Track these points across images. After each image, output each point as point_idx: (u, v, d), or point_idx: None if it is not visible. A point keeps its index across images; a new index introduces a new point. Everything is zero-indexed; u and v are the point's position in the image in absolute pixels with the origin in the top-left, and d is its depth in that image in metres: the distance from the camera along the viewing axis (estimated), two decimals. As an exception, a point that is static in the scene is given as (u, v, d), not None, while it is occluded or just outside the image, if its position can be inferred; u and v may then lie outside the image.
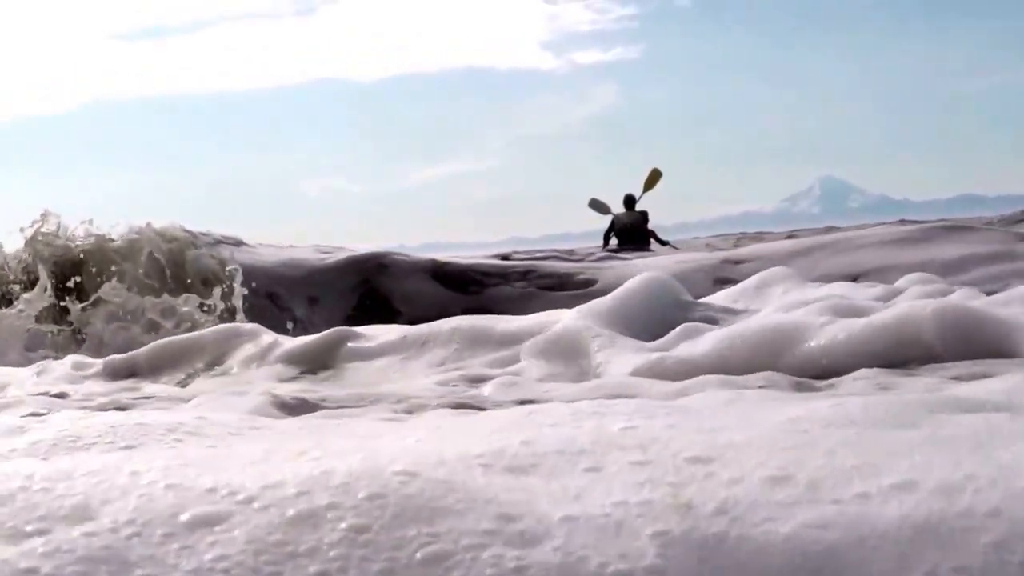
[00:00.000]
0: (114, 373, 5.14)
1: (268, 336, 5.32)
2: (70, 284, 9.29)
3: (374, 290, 10.19)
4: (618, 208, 17.93)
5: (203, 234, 10.38)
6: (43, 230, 9.82)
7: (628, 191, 17.91)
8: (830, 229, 16.27)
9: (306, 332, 7.46)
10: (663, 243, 16.98)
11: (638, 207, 17.81)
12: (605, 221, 17.80)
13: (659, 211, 18.72)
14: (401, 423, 2.46)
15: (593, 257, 13.09)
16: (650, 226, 17.47)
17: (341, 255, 10.60)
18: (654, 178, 18.20)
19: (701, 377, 3.31)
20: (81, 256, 9.65)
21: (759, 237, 18.02)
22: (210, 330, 5.60)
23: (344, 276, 10.30)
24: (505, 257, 12.31)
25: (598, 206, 18.23)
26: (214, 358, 5.21)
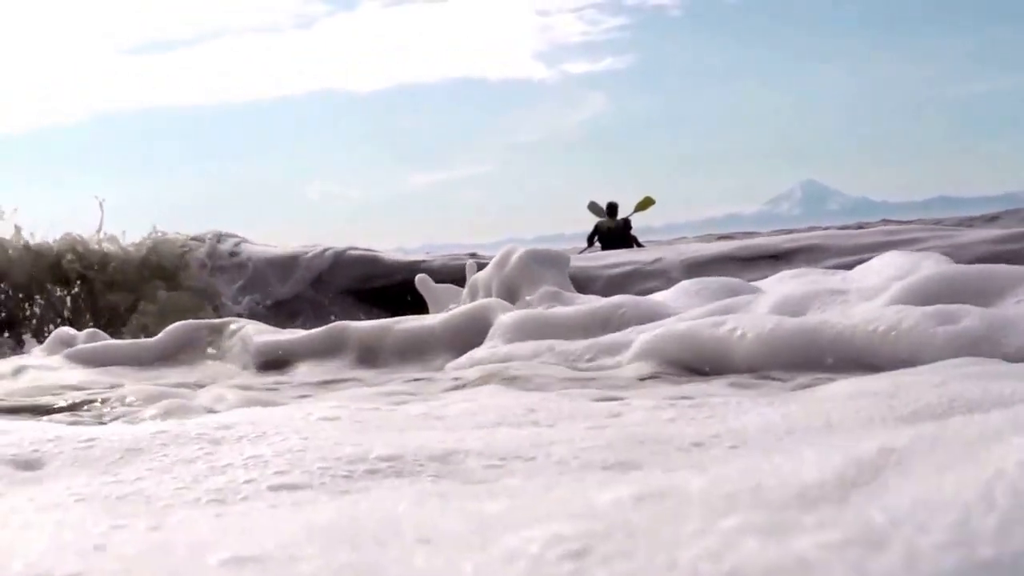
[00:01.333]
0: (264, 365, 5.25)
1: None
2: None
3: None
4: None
5: (229, 235, 11.16)
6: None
7: (615, 196, 18.77)
8: (811, 229, 16.95)
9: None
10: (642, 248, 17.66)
11: (625, 220, 18.61)
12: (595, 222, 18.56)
13: (648, 213, 19.51)
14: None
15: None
16: (633, 232, 18.29)
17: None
18: (646, 204, 19.11)
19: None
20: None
21: (748, 236, 18.65)
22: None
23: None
24: (473, 255, 12.84)
25: (596, 209, 18.97)
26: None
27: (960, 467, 1.08)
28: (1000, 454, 1.07)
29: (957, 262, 5.24)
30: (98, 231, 10.23)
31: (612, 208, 18.73)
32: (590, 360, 4.07)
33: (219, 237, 11.26)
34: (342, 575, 1.01)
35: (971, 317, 3.44)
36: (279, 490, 1.58)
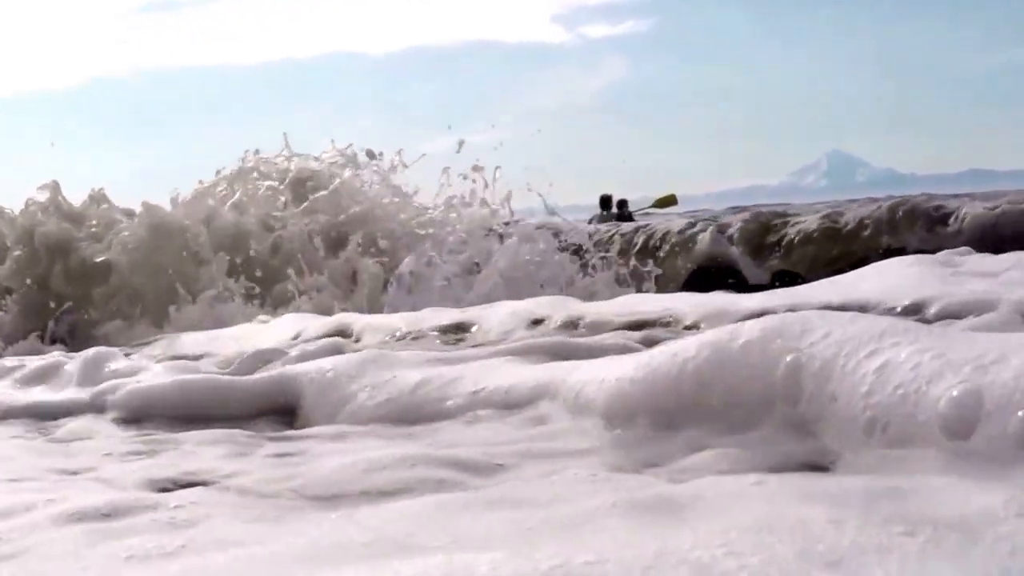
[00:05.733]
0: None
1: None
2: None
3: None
4: (630, 200, 18.65)
5: None
6: None
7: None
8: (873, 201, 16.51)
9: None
10: None
11: (637, 214, 18.33)
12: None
13: (666, 187, 19.29)
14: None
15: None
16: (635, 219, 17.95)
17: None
18: (667, 202, 18.82)
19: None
20: None
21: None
22: None
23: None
24: None
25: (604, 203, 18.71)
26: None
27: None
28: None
29: None
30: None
31: (605, 201, 18.65)
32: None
33: None
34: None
35: None
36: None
